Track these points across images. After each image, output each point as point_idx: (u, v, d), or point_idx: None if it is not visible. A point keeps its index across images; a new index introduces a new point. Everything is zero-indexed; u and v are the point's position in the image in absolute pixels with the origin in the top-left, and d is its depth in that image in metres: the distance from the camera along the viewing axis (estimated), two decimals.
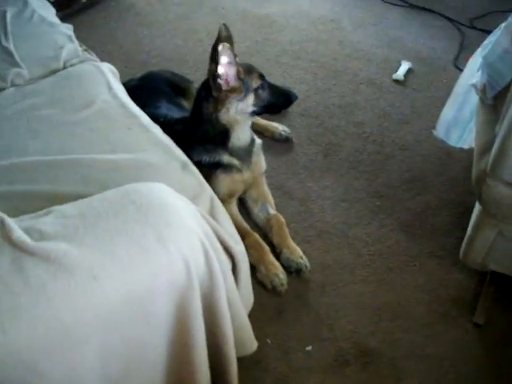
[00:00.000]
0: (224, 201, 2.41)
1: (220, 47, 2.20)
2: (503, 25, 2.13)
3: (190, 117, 2.49)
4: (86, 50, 2.52)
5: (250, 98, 2.35)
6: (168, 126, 2.39)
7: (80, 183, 1.77)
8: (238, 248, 1.80)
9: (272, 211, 2.60)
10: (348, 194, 2.77)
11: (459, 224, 2.59)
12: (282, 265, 2.40)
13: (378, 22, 4.00)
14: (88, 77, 2.27)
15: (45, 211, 1.50)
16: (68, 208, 1.49)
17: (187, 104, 2.88)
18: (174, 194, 1.57)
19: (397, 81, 3.45)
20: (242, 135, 2.44)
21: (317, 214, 2.68)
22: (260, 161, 2.62)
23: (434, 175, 2.87)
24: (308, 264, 2.41)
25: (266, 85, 2.40)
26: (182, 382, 1.64)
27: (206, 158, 2.42)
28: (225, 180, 2.46)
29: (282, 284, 2.34)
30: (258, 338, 2.12)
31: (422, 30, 3.92)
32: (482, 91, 2.19)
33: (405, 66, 3.51)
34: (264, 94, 2.39)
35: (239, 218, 2.55)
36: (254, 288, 2.27)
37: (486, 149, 1.98)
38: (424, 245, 2.55)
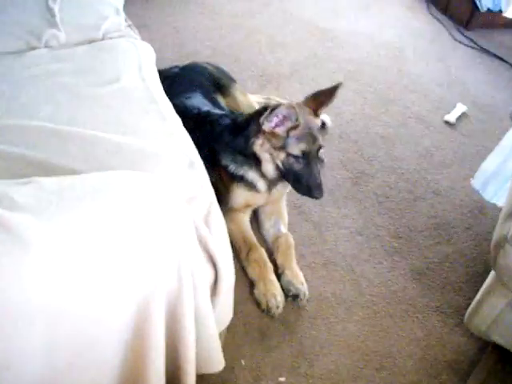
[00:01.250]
0: (238, 210, 2.42)
1: (284, 107, 2.20)
2: None
3: (237, 120, 2.44)
4: (129, 26, 2.47)
5: (282, 155, 2.29)
6: (207, 118, 2.47)
7: (78, 159, 1.69)
8: (225, 261, 1.70)
9: (283, 230, 2.52)
10: (366, 229, 2.65)
11: (474, 284, 2.45)
12: (281, 287, 2.30)
13: (443, 58, 3.86)
14: (122, 53, 2.21)
15: (26, 180, 1.43)
16: (49, 182, 1.42)
17: (224, 102, 2.84)
18: (163, 195, 1.48)
19: (448, 122, 3.31)
20: (269, 169, 2.36)
21: (329, 241, 2.58)
22: (282, 190, 2.53)
23: (461, 227, 2.73)
24: (307, 292, 2.31)
25: (303, 162, 2.28)
26: None
27: (233, 167, 2.40)
28: (244, 193, 2.43)
29: (278, 307, 2.25)
30: (232, 356, 2.07)
31: (486, 76, 3.76)
32: None
33: (459, 109, 3.37)
34: (294, 166, 2.29)
35: (248, 229, 2.48)
36: (243, 304, 2.23)
37: None
38: (431, 298, 2.42)
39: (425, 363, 2.21)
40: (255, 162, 2.35)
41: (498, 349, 2.17)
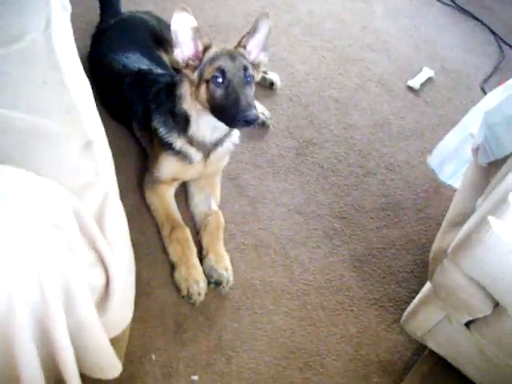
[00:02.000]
0: (165, 182, 2.20)
1: (177, 13, 1.89)
2: None
3: (174, 78, 2.18)
4: None
5: (202, 88, 1.98)
6: (146, 77, 2.30)
7: None
8: (115, 261, 1.45)
9: (214, 207, 2.27)
10: (307, 206, 2.40)
11: (420, 275, 2.25)
12: (204, 271, 2.06)
13: (414, 15, 3.54)
14: (29, 6, 1.91)
15: None
16: None
17: (168, 59, 2.59)
18: (30, 195, 1.22)
19: (411, 88, 3.03)
20: (201, 128, 2.09)
21: (263, 220, 2.32)
22: (220, 161, 2.27)
23: (413, 209, 2.48)
24: (231, 279, 2.08)
25: (224, 85, 1.94)
26: None
27: (163, 131, 2.15)
28: (172, 163, 2.18)
29: (200, 294, 2.02)
30: (142, 350, 1.89)
31: (459, 37, 3.45)
32: (474, 152, 1.79)
33: (425, 74, 3.08)
34: (216, 93, 1.95)
35: (173, 204, 2.25)
36: (160, 288, 2.04)
37: (458, 222, 1.59)
38: (371, 289, 2.19)
39: (355, 363, 2.02)
40: (186, 125, 2.09)
41: (434, 354, 1.95)
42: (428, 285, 1.77)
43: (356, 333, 2.07)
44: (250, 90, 1.98)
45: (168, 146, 2.14)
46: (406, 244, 2.36)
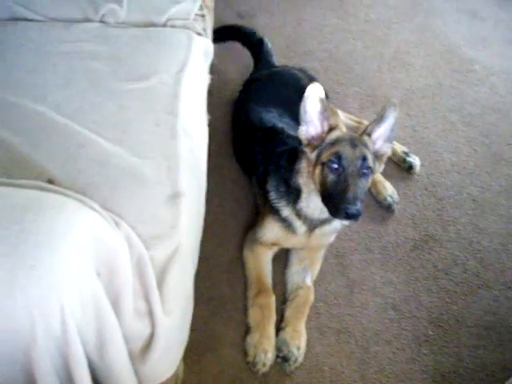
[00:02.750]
0: (264, 245, 2.23)
1: (310, 89, 1.93)
2: None
3: (295, 147, 2.17)
4: (202, 16, 2.24)
5: (318, 169, 1.96)
6: (276, 136, 2.32)
7: (57, 161, 1.60)
8: (164, 319, 1.51)
9: (308, 281, 2.26)
10: (406, 304, 2.32)
11: None
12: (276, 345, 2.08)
13: None
14: (170, 47, 2.05)
15: None
16: None
17: None
18: (79, 238, 1.29)
19: None
20: (311, 206, 2.09)
21: (355, 306, 2.28)
22: (325, 237, 2.25)
23: None
24: (300, 359, 2.07)
25: (338, 171, 1.90)
26: None
27: (273, 195, 2.18)
28: (275, 229, 2.20)
29: (265, 365, 2.03)
30: None
31: None
32: None
33: None
34: (329, 178, 1.92)
35: (267, 268, 2.27)
36: (229, 347, 2.08)
37: None
38: None
39: None
40: (297, 197, 2.10)
41: None
42: None
43: None
44: (365, 182, 1.92)
45: (275, 212, 2.17)
46: (499, 372, 2.19)
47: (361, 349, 2.16)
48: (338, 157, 1.89)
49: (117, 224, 1.47)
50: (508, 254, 2.56)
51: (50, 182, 1.51)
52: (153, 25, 2.12)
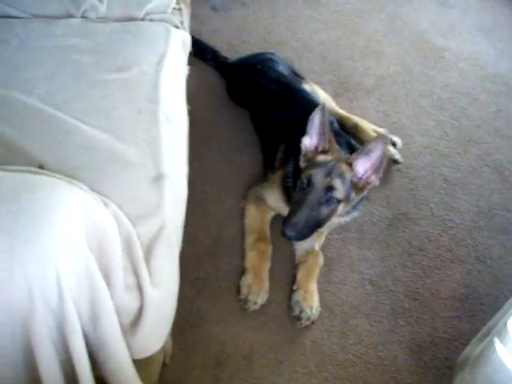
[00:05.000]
0: (267, 206, 2.39)
1: (320, 107, 2.10)
2: None
3: None
4: (179, 9, 2.33)
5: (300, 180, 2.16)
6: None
7: (46, 147, 1.67)
8: (152, 292, 1.59)
9: (317, 247, 2.39)
10: (382, 279, 2.41)
11: None
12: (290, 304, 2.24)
13: None
14: (149, 39, 2.13)
15: None
16: None
17: None
18: (72, 214, 1.37)
19: None
20: None
21: (334, 283, 2.38)
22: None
23: (492, 307, 2.40)
24: (313, 317, 2.22)
25: (304, 191, 2.08)
26: None
27: (289, 174, 2.32)
28: (279, 202, 2.38)
29: (255, 303, 2.19)
30: (178, 378, 2.02)
31: None
32: None
33: None
34: (296, 193, 2.13)
35: (267, 222, 2.43)
36: (213, 325, 2.16)
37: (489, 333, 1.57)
38: (421, 377, 2.18)
39: None
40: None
41: None
42: None
43: None
44: (325, 211, 2.06)
45: (285, 188, 2.32)
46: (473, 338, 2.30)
47: (340, 322, 2.26)
48: (308, 181, 2.05)
49: (105, 204, 1.55)
50: (479, 230, 2.67)
51: (41, 167, 1.58)
52: (132, 19, 2.20)
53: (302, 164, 2.15)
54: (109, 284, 1.49)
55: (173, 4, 2.30)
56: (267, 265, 2.29)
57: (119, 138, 1.75)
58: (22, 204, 1.32)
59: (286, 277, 2.34)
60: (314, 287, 2.27)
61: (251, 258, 2.28)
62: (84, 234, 1.37)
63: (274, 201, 2.39)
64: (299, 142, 2.16)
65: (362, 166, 2.07)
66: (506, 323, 1.26)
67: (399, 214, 2.66)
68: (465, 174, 2.90)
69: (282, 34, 3.42)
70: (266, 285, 2.24)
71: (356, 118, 2.84)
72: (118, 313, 1.54)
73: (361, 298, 2.34)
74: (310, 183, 2.04)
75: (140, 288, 1.59)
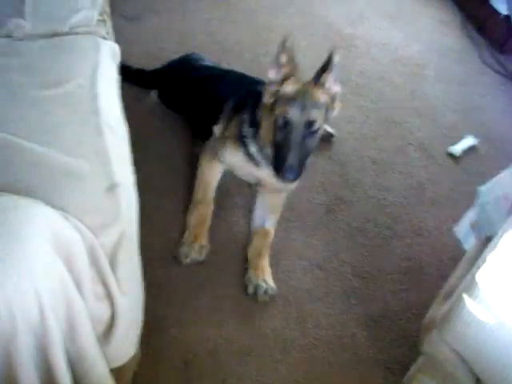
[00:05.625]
0: (222, 162, 2.39)
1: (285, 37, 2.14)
2: None
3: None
4: (103, 21, 2.32)
5: (272, 117, 2.15)
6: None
7: None
8: (122, 299, 1.58)
9: (268, 225, 2.44)
10: (329, 263, 2.47)
11: None
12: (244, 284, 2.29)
13: (466, 82, 3.59)
14: (79, 52, 2.09)
15: None
16: None
17: None
18: (41, 229, 1.36)
19: (451, 155, 3.07)
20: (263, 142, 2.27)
21: (284, 271, 2.41)
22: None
23: (435, 276, 2.52)
24: (271, 290, 2.28)
25: (284, 132, 2.11)
26: None
27: (245, 128, 2.33)
28: (236, 158, 2.39)
29: (187, 257, 2.27)
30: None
31: (508, 107, 3.46)
32: (472, 227, 1.84)
33: (468, 142, 3.13)
34: (277, 134, 2.13)
35: (214, 184, 2.45)
36: (173, 328, 2.15)
37: (451, 293, 1.64)
38: (380, 350, 2.24)
39: None
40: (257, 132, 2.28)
41: None
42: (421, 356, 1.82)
43: None
44: (310, 142, 2.13)
45: (241, 143, 2.34)
46: (422, 309, 2.37)
47: (296, 308, 2.30)
48: (285, 120, 2.07)
49: (65, 217, 1.53)
50: (412, 206, 2.79)
51: None
52: (57, 34, 2.14)
53: (268, 99, 2.15)
54: (81, 296, 1.47)
55: (97, 16, 2.28)
56: (206, 226, 2.35)
57: (67, 152, 1.71)
58: None
59: (240, 271, 2.35)
60: (265, 263, 2.33)
61: (192, 219, 2.35)
62: (54, 248, 1.36)
63: (230, 155, 2.39)
64: (250, 92, 2.26)
65: (330, 82, 2.13)
66: (473, 278, 1.33)
67: (335, 199, 2.73)
68: (391, 154, 3.01)
69: (198, 38, 3.43)
70: (202, 241, 2.31)
71: None
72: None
73: (312, 283, 2.39)
74: (287, 122, 2.07)
75: (109, 297, 1.58)
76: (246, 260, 2.37)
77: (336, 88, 2.16)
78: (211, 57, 3.22)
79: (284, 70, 2.13)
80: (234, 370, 2.09)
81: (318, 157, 2.87)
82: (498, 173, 2.86)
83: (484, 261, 1.30)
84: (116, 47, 2.23)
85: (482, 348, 1.40)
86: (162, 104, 2.94)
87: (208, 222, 2.37)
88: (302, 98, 2.08)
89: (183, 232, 2.37)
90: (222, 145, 2.39)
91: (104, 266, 1.57)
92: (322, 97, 2.12)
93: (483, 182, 2.87)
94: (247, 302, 2.27)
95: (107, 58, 2.14)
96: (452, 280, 1.78)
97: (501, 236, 1.28)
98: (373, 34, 3.73)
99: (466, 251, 2.28)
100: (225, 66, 3.20)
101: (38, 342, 1.36)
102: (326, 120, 2.19)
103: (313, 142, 2.14)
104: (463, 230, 2.33)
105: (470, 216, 2.31)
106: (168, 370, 2.05)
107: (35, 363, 1.38)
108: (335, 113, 2.22)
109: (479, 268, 1.32)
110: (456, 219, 2.59)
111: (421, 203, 2.80)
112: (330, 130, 2.92)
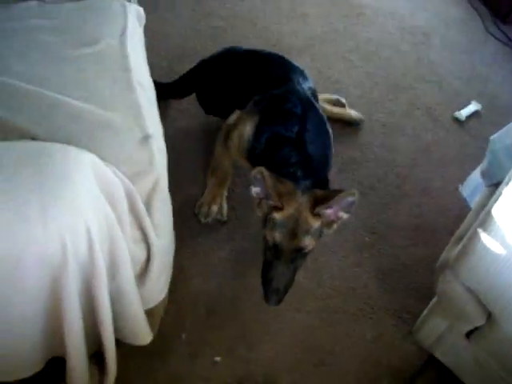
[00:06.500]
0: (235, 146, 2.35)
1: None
2: None
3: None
4: None
5: (265, 228, 2.00)
6: None
7: (35, 120, 1.69)
8: (157, 242, 1.69)
9: None
10: None
11: None
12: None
13: (470, 50, 3.67)
14: (107, 14, 2.17)
15: None
16: None
17: None
18: (89, 172, 1.45)
19: (457, 119, 3.17)
20: None
21: None
22: None
23: (443, 232, 2.61)
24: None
25: (272, 255, 1.96)
26: (56, 352, 1.62)
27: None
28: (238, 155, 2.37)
29: (207, 216, 2.38)
30: (174, 328, 2.10)
31: (511, 75, 3.55)
32: (482, 175, 1.95)
33: (472, 107, 3.22)
34: (266, 252, 2.01)
35: (226, 162, 2.46)
36: (196, 278, 2.25)
37: (463, 236, 1.75)
38: (391, 300, 2.36)
39: (367, 366, 2.17)
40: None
41: (441, 364, 2.10)
42: (435, 297, 1.94)
43: (372, 338, 2.24)
44: (300, 261, 2.00)
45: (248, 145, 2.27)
46: (431, 263, 2.47)
47: (311, 261, 2.40)
48: (275, 246, 1.92)
49: (105, 165, 1.63)
50: (419, 167, 2.90)
51: (34, 139, 1.64)
52: None
53: (260, 214, 2.02)
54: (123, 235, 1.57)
55: None
56: (224, 187, 2.44)
57: (101, 106, 1.80)
58: (43, 167, 1.39)
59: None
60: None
61: (210, 180, 2.43)
62: (100, 189, 1.46)
63: (235, 151, 2.35)
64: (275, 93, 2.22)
65: (330, 212, 1.95)
66: (489, 212, 1.43)
67: (347, 159, 2.83)
68: (399, 117, 3.11)
69: (210, 5, 3.50)
70: (219, 201, 2.41)
71: None
72: None
73: (326, 237, 2.47)
74: (276, 247, 1.92)
75: (145, 240, 1.68)
76: None
77: (343, 215, 1.96)
78: (223, 24, 3.36)
79: (276, 203, 1.90)
80: (253, 317, 2.21)
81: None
82: None
83: (500, 195, 1.40)
84: (141, 10, 2.31)
85: (494, 281, 1.50)
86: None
87: (227, 184, 2.45)
88: (292, 225, 1.90)
89: (203, 191, 2.46)
90: (238, 137, 2.31)
91: (141, 210, 1.67)
92: (315, 224, 1.93)
93: (486, 146, 3.01)
94: None
95: (134, 20, 2.22)
96: (463, 226, 1.89)
97: None
98: (381, 3, 3.81)
99: (471, 209, 2.40)
100: (236, 31, 3.31)
101: (85, 275, 1.47)
102: (320, 238, 2.00)
103: (301, 262, 2.01)
104: (468, 189, 2.45)
105: (475, 176, 2.42)
106: (191, 317, 2.16)
107: (80, 296, 1.49)
108: (334, 229, 2.03)
109: (495, 202, 1.41)
110: (461, 179, 2.71)
111: (428, 164, 2.91)
112: (356, 116, 3.00)
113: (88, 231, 1.40)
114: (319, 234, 1.97)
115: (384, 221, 2.62)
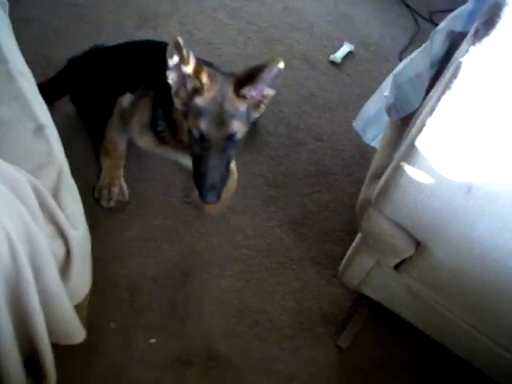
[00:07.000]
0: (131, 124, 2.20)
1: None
2: (424, 44, 1.87)
3: None
4: None
5: (185, 126, 1.89)
6: None
7: None
8: (74, 233, 1.58)
9: None
10: (243, 179, 2.51)
11: (352, 233, 2.38)
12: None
13: None
14: None
15: None
16: None
17: None
18: None
19: (333, 62, 3.19)
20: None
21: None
22: None
23: (342, 174, 2.66)
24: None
25: (201, 147, 1.83)
26: None
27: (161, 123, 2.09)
28: (145, 139, 2.22)
29: (110, 200, 2.27)
30: (101, 320, 2.01)
31: (376, 13, 3.62)
32: (388, 111, 1.96)
33: (346, 48, 3.25)
34: (193, 147, 1.88)
35: (120, 145, 2.33)
36: (112, 264, 2.16)
37: (379, 173, 1.75)
38: (308, 249, 2.37)
39: (300, 317, 2.19)
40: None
41: (372, 300, 2.13)
42: (359, 235, 1.95)
43: (298, 289, 2.25)
44: (233, 151, 1.89)
45: (152, 126, 2.12)
46: (337, 206, 2.54)
47: (222, 225, 2.37)
48: (201, 135, 1.79)
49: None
50: (307, 114, 2.90)
51: None
52: None
53: (179, 106, 1.85)
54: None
55: None
56: (120, 167, 2.33)
57: None
58: None
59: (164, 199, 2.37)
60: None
61: (104, 162, 2.32)
62: (8, 188, 1.34)
63: (137, 136, 2.22)
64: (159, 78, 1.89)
65: (256, 90, 1.85)
66: (412, 145, 1.42)
67: None
68: None
69: None
70: (118, 183, 2.30)
71: None
72: None
73: (232, 199, 2.44)
74: (203, 138, 1.80)
75: (61, 234, 1.56)
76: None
77: (268, 92, 1.88)
78: (87, 2, 3.13)
79: (192, 84, 1.78)
80: (178, 291, 2.15)
81: None
82: (381, 73, 3.05)
83: (423, 125, 1.39)
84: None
85: (423, 211, 1.51)
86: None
87: (122, 163, 2.34)
88: (217, 110, 1.79)
89: (99, 175, 2.34)
90: (129, 122, 2.19)
91: (51, 204, 1.55)
92: (241, 106, 1.84)
93: (365, 83, 3.07)
94: (175, 226, 2.30)
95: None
96: (377, 163, 1.90)
97: (437, 100, 1.37)
98: None
99: (367, 144, 2.44)
100: (103, 8, 3.12)
101: (10, 285, 1.35)
102: (249, 123, 1.91)
103: (233, 150, 1.89)
104: (360, 125, 2.48)
105: (366, 109, 2.45)
106: (116, 303, 2.08)
107: (8, 307, 1.37)
108: (261, 111, 1.94)
109: (418, 134, 1.41)
110: (349, 119, 2.75)
111: (315, 111, 2.91)
112: None
113: (8, 237, 1.28)
114: (247, 117, 1.87)
115: (284, 172, 2.61)
